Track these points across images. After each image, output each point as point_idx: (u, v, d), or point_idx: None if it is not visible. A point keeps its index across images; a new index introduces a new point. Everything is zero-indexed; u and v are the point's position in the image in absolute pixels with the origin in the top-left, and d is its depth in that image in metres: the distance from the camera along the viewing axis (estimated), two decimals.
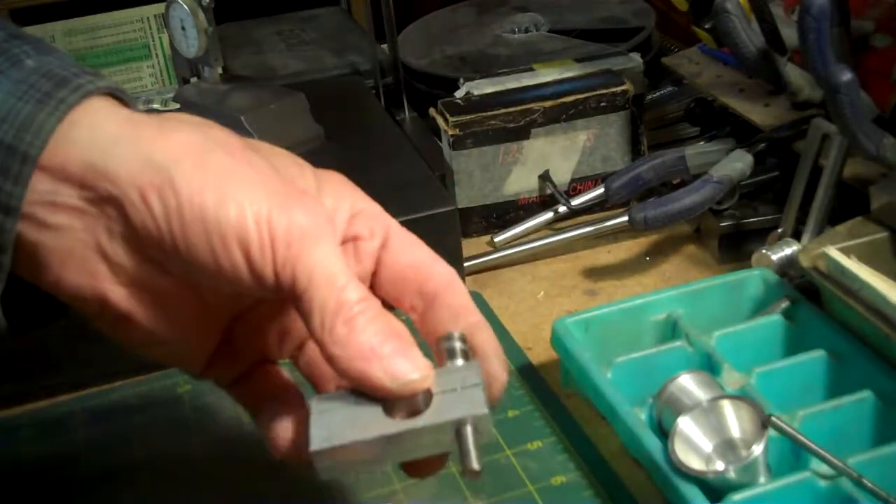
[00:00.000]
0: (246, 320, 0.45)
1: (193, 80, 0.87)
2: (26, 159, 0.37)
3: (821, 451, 0.49)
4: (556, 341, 0.61)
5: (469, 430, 0.39)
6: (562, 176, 0.84)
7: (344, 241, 0.43)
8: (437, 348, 0.42)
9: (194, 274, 0.39)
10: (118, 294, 0.40)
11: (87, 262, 0.39)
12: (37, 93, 0.37)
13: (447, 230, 0.73)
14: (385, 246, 0.44)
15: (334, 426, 0.39)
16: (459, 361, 0.41)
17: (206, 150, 0.39)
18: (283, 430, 0.43)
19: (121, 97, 0.40)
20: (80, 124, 0.38)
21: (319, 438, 0.39)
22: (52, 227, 0.38)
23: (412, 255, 0.44)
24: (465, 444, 0.39)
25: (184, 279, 0.40)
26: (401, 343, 0.39)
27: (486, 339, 0.43)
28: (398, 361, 0.38)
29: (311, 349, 0.46)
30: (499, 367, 0.42)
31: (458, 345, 0.42)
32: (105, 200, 0.38)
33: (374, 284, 0.44)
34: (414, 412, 0.39)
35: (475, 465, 0.38)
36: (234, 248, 0.38)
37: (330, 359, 0.39)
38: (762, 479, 0.50)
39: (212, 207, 0.38)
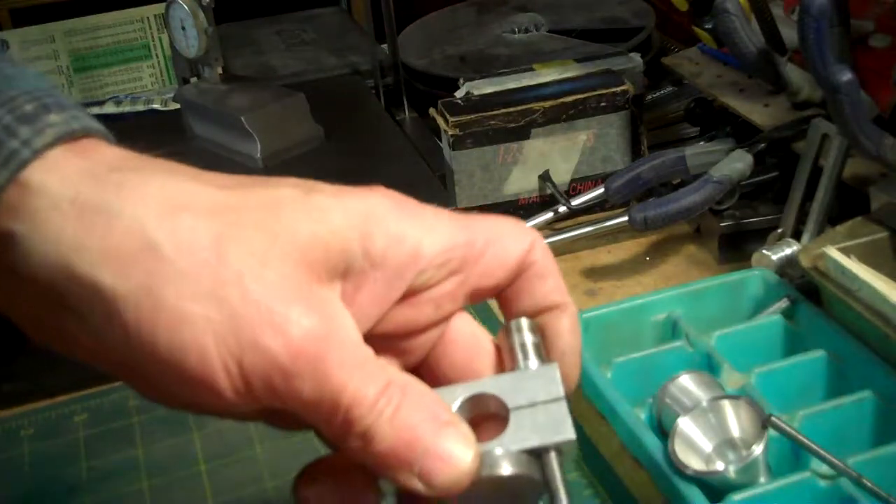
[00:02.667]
0: None
1: (193, 80, 0.87)
2: None
3: (821, 451, 0.49)
4: None
5: (553, 457, 0.33)
6: (562, 176, 0.84)
7: (412, 295, 0.35)
8: (505, 342, 0.36)
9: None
10: (91, 361, 0.33)
11: (49, 332, 0.32)
12: None
13: None
14: (472, 269, 0.36)
15: None
16: (534, 362, 0.35)
17: (158, 262, 0.30)
18: None
19: (83, 131, 0.32)
20: (17, 211, 0.30)
21: None
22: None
23: (498, 258, 0.36)
24: (550, 474, 0.33)
25: None
26: (431, 440, 0.32)
27: (564, 331, 0.36)
28: (430, 464, 0.31)
29: None
30: (570, 369, 0.36)
31: (528, 338, 0.35)
32: (58, 306, 0.31)
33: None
34: (492, 432, 0.33)
35: (564, 500, 0.32)
36: (201, 391, 0.31)
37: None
38: (762, 479, 0.50)
39: (167, 350, 0.30)
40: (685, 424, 0.52)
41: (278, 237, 0.31)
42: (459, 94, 0.86)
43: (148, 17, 1.13)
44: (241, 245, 0.31)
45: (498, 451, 0.32)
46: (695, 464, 0.50)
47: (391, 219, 0.34)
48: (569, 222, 0.83)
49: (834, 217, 0.67)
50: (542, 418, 0.33)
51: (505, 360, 0.36)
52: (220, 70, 0.85)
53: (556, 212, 0.82)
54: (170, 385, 0.31)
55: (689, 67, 0.87)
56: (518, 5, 1.12)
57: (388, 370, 0.32)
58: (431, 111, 0.85)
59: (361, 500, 0.34)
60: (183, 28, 0.83)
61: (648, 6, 1.06)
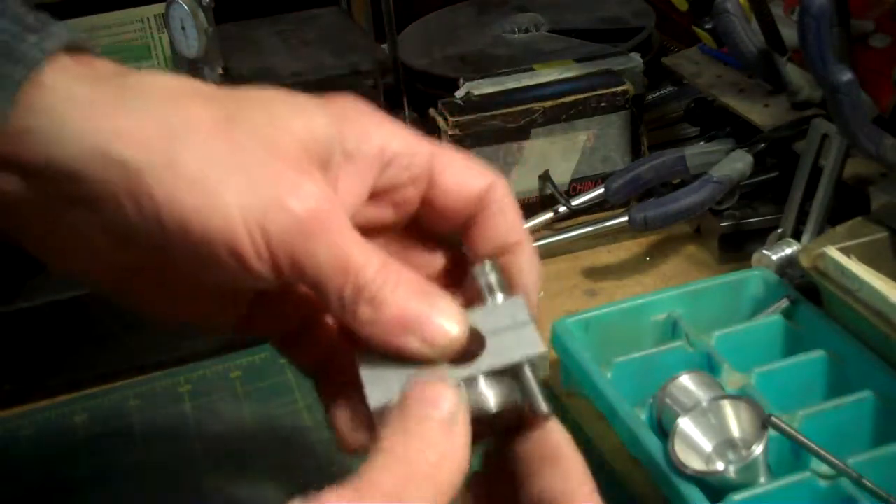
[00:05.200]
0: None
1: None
2: None
3: (821, 451, 0.49)
4: (556, 341, 0.61)
5: (528, 371, 0.37)
6: (562, 176, 0.84)
7: (376, 195, 0.39)
8: (473, 285, 0.39)
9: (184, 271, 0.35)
10: (99, 272, 0.36)
11: (59, 242, 0.35)
12: None
13: None
14: (432, 184, 0.39)
15: (390, 381, 0.36)
16: (500, 297, 0.39)
17: (176, 139, 0.33)
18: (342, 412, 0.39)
19: (76, 45, 0.34)
20: (32, 108, 0.32)
21: (377, 396, 0.36)
22: (14, 212, 0.34)
23: (458, 184, 0.39)
24: (528, 386, 0.37)
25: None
26: (429, 301, 0.35)
27: (524, 268, 0.40)
28: (432, 325, 0.35)
29: None
30: (531, 300, 0.39)
31: (492, 278, 0.39)
32: (75, 199, 0.33)
33: (422, 222, 0.40)
34: (471, 357, 0.37)
35: (543, 407, 0.37)
36: (225, 258, 0.33)
37: (365, 338, 0.36)
38: (762, 479, 0.50)
39: (194, 216, 0.32)
40: (685, 424, 0.52)
41: (277, 123, 0.35)
42: (459, 94, 0.86)
43: (148, 17, 1.12)
44: (249, 124, 0.34)
45: (479, 367, 0.36)
46: (695, 464, 0.50)
47: (363, 120, 0.38)
48: (569, 222, 0.83)
49: (834, 217, 0.67)
50: (513, 339, 0.37)
51: (476, 300, 0.39)
52: (220, 70, 0.85)
53: (556, 212, 0.82)
54: (190, 265, 0.33)
55: (689, 67, 0.87)
56: (518, 5, 1.12)
57: (382, 252, 0.36)
58: (431, 111, 0.85)
59: None
60: (183, 28, 0.83)
61: (648, 6, 1.06)
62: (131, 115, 0.33)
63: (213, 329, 0.41)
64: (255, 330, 0.40)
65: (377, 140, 0.38)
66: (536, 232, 0.82)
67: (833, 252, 0.59)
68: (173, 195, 0.32)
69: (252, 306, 0.39)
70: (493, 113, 0.81)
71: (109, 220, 0.33)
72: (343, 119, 0.37)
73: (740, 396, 0.53)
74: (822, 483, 0.49)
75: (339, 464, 0.58)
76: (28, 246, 0.35)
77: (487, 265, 0.39)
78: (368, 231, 0.38)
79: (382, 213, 0.39)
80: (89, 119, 0.32)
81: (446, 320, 0.35)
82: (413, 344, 0.35)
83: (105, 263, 0.35)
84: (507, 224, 0.40)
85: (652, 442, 0.52)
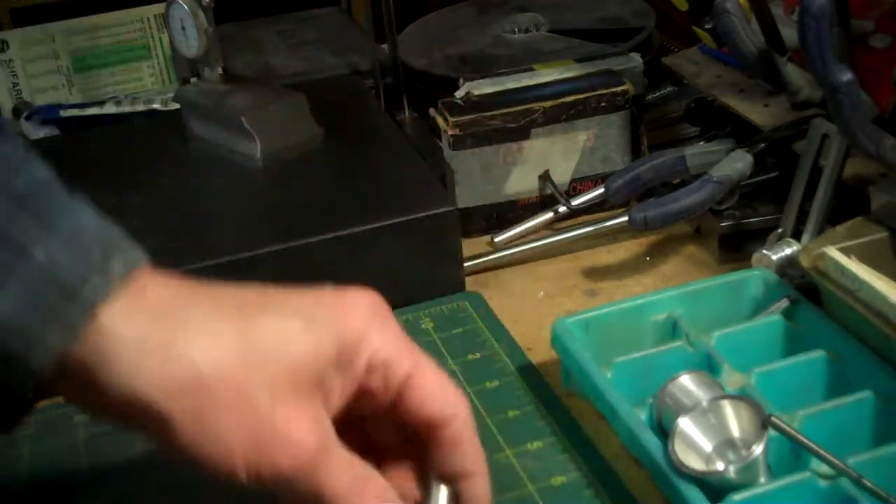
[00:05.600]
0: None
1: (193, 80, 0.87)
2: (30, 373, 0.37)
3: (821, 451, 0.49)
4: (556, 341, 0.61)
5: None
6: (562, 176, 0.84)
7: (356, 394, 0.44)
8: (428, 499, 0.45)
9: None
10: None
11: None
12: (43, 306, 0.37)
13: (447, 230, 0.73)
14: (401, 396, 0.44)
15: None
16: None
17: (203, 392, 0.39)
18: None
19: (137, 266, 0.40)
20: (87, 345, 0.38)
21: None
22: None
23: (422, 404, 0.44)
24: None
25: None
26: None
27: (476, 498, 0.45)
28: None
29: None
30: None
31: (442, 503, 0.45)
32: (110, 414, 0.40)
33: (394, 413, 0.45)
34: None
35: None
36: (226, 477, 0.41)
37: None
38: (762, 479, 0.50)
39: (205, 457, 0.40)
40: (685, 424, 0.52)
41: (286, 366, 0.41)
42: (459, 94, 0.86)
43: (148, 17, 1.12)
44: (260, 374, 0.40)
45: None
46: (695, 464, 0.50)
47: (360, 327, 0.43)
48: (569, 222, 0.83)
49: (834, 217, 0.67)
50: None
51: None
52: (220, 70, 0.85)
53: (556, 212, 0.82)
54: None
55: (689, 67, 0.87)
56: (518, 5, 1.12)
57: (359, 463, 0.43)
58: (431, 111, 0.85)
59: None
60: (183, 28, 0.83)
61: (648, 6, 1.06)
62: (169, 363, 0.39)
63: None
64: None
65: (367, 350, 0.43)
66: (536, 232, 0.82)
67: (833, 252, 0.59)
68: (194, 440, 0.39)
69: None
70: (493, 113, 0.81)
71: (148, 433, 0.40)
72: (343, 328, 0.43)
73: (740, 396, 0.53)
74: (822, 483, 0.49)
75: None
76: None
77: (442, 491, 0.45)
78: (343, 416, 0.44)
79: (356, 405, 0.44)
80: (133, 366, 0.38)
81: None
82: None
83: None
84: (462, 455, 0.45)
85: (652, 442, 0.52)
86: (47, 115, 1.02)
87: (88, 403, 0.40)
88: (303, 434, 0.41)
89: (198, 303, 0.41)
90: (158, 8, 1.11)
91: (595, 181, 0.84)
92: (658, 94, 0.96)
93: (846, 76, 0.59)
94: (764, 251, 0.66)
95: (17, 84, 1.08)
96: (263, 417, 0.40)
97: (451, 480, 0.45)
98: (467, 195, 0.83)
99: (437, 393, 0.44)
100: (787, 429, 0.50)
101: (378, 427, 0.47)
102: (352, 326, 0.43)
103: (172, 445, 0.39)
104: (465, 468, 0.45)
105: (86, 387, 0.38)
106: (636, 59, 0.90)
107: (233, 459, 0.40)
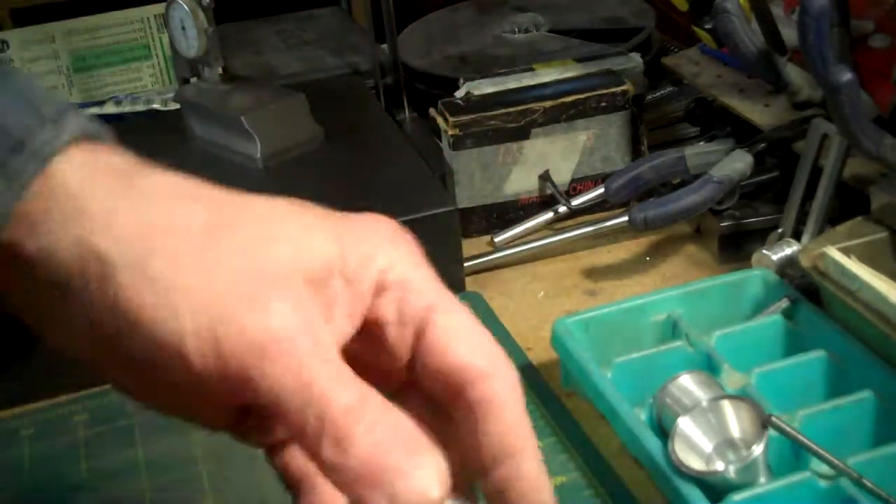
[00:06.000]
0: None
1: (193, 80, 0.87)
2: None
3: (821, 451, 0.49)
4: (556, 341, 0.61)
5: None
6: (562, 176, 0.84)
7: (364, 326, 0.35)
8: None
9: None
10: (84, 352, 0.35)
11: (46, 320, 0.35)
12: None
13: (447, 230, 0.73)
14: (421, 335, 0.34)
15: None
16: None
17: (154, 239, 0.33)
18: None
19: (90, 134, 0.35)
20: (36, 205, 0.33)
21: None
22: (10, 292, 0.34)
23: (455, 354, 0.34)
24: None
25: None
26: (412, 453, 0.31)
27: (522, 492, 0.34)
28: (406, 481, 0.30)
29: None
30: None
31: None
32: (54, 283, 0.33)
33: (409, 374, 0.36)
34: None
35: None
36: (176, 366, 0.32)
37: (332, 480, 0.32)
38: (762, 479, 0.50)
39: (146, 312, 0.32)
40: (685, 424, 0.52)
41: (269, 238, 0.33)
42: (459, 94, 0.86)
43: (148, 17, 1.13)
44: (238, 236, 0.33)
45: None
46: (695, 464, 0.50)
47: (374, 241, 0.35)
48: (569, 222, 0.83)
49: (834, 217, 0.67)
50: None
51: None
52: (220, 70, 0.85)
53: (556, 212, 0.82)
54: (143, 356, 0.32)
55: (689, 67, 0.87)
56: (518, 5, 1.12)
57: (365, 386, 0.32)
58: (431, 111, 0.85)
59: None
60: (183, 28, 0.83)
61: (648, 6, 1.06)
62: (119, 212, 0.33)
63: (204, 426, 0.37)
64: (248, 439, 0.38)
65: (380, 263, 0.34)
66: (536, 232, 0.82)
67: (833, 252, 0.59)
68: (134, 289, 0.32)
69: (238, 414, 0.36)
70: (493, 113, 0.81)
71: (82, 304, 0.33)
72: (351, 239, 0.35)
73: (740, 396, 0.53)
74: (822, 483, 0.49)
75: None
76: (25, 320, 0.36)
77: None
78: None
79: (368, 352, 0.35)
80: (81, 212, 0.33)
81: (426, 478, 0.30)
82: (378, 501, 0.30)
83: (87, 343, 0.34)
84: (501, 425, 0.33)
85: (652, 442, 0.52)
86: None
87: (28, 268, 0.33)
88: (283, 305, 0.32)
89: (167, 178, 0.35)
90: (158, 8, 1.11)
91: (595, 181, 0.84)
92: (658, 94, 0.96)
93: (846, 76, 0.59)
94: (764, 251, 0.66)
95: None
96: (228, 273, 0.32)
97: (489, 468, 0.34)
98: (467, 195, 0.83)
99: (466, 336, 0.34)
100: (787, 429, 0.50)
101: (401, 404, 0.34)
102: (361, 236, 0.35)
103: (109, 301, 0.32)
104: (507, 445, 0.34)
105: (27, 247, 0.33)
106: (636, 59, 0.90)
107: (177, 315, 0.31)
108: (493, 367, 0.34)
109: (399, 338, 0.35)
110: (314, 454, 0.31)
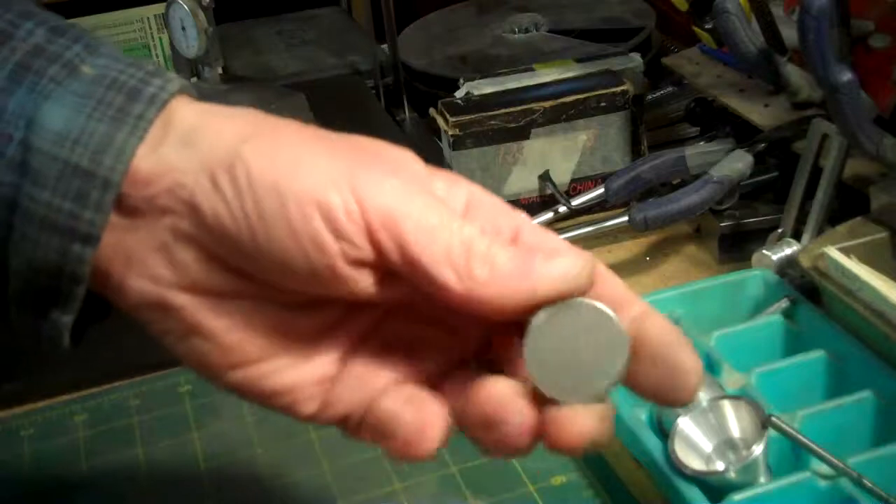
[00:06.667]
0: (366, 345, 0.38)
1: (193, 80, 0.87)
2: (108, 185, 0.34)
3: (821, 451, 0.49)
4: None
5: None
6: (562, 176, 0.84)
7: None
8: None
9: (274, 271, 0.34)
10: (182, 302, 0.35)
11: (148, 266, 0.35)
12: (109, 109, 0.34)
13: None
14: (515, 242, 0.37)
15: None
16: None
17: (274, 128, 0.35)
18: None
19: (187, 91, 0.37)
20: (159, 139, 0.34)
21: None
22: (113, 230, 0.35)
23: (551, 243, 0.37)
24: None
25: (264, 288, 0.35)
26: (544, 252, 0.34)
27: (660, 328, 0.35)
28: (555, 262, 0.33)
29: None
30: (684, 355, 0.35)
31: None
32: (171, 194, 0.34)
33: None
34: None
35: None
36: (314, 216, 0.33)
37: (483, 307, 0.33)
38: (762, 479, 0.50)
39: (285, 176, 0.33)
40: (685, 424, 0.52)
41: (379, 145, 0.37)
42: (459, 94, 0.86)
43: (148, 17, 1.12)
44: (341, 139, 0.36)
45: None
46: (695, 464, 0.50)
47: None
48: (569, 222, 0.83)
49: (834, 217, 0.67)
50: None
51: None
52: (220, 70, 0.85)
53: (556, 212, 0.82)
54: (278, 236, 0.33)
55: (689, 67, 0.87)
56: (518, 5, 1.12)
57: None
58: (431, 111, 0.85)
59: None
60: (183, 28, 0.83)
61: (648, 6, 1.06)
62: (234, 117, 0.36)
63: (291, 412, 0.37)
64: (331, 416, 0.37)
65: (464, 187, 0.38)
66: None
67: (833, 252, 0.59)
68: (269, 164, 0.33)
69: (332, 388, 0.37)
70: (493, 113, 0.81)
71: (205, 211, 0.34)
72: (437, 173, 0.38)
73: (740, 396, 0.53)
74: (822, 483, 0.49)
75: (340, 460, 0.58)
76: (112, 283, 0.36)
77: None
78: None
79: None
80: (196, 126, 0.35)
81: (570, 256, 0.34)
82: (543, 284, 0.33)
83: (187, 286, 0.35)
84: (619, 294, 0.36)
85: (652, 442, 0.52)
86: None
87: (142, 201, 0.34)
88: (412, 166, 0.36)
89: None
90: (158, 8, 1.11)
91: (595, 181, 0.84)
92: (658, 94, 0.96)
93: (846, 76, 0.59)
94: (764, 251, 0.66)
95: None
96: (351, 158, 0.35)
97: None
98: None
99: (556, 238, 0.37)
100: (787, 429, 0.50)
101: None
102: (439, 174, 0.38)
103: (241, 186, 0.33)
104: (626, 295, 0.36)
105: (149, 175, 0.34)
106: (636, 59, 0.90)
107: (318, 175, 0.33)
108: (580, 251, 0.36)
109: None
110: (463, 284, 0.33)
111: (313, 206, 0.33)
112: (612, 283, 0.37)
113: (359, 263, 0.34)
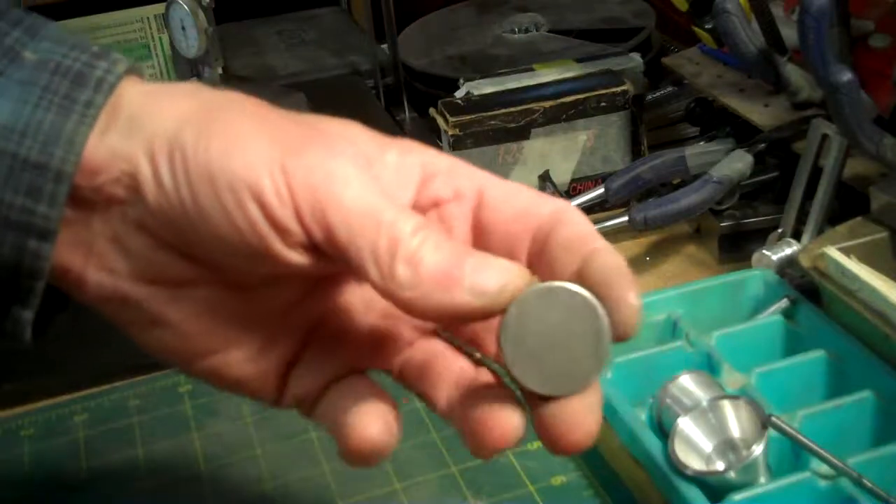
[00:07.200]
0: (325, 326, 0.38)
1: (193, 80, 0.87)
2: (61, 178, 0.33)
3: (821, 451, 0.49)
4: None
5: None
6: (562, 176, 0.84)
7: (421, 209, 0.37)
8: None
9: (217, 253, 0.34)
10: (140, 293, 0.35)
11: (105, 258, 0.35)
12: (55, 96, 0.33)
13: None
14: (481, 204, 0.37)
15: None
16: None
17: (216, 108, 0.35)
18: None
19: (135, 72, 0.36)
20: (106, 125, 0.34)
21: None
22: (70, 224, 0.34)
23: (514, 204, 0.36)
24: None
25: (218, 272, 0.35)
26: (476, 258, 0.32)
27: (605, 263, 0.34)
28: (481, 275, 0.32)
29: (417, 349, 0.38)
30: (623, 289, 0.33)
31: None
32: (118, 183, 0.34)
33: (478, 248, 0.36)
34: None
35: None
36: (246, 200, 0.33)
37: (405, 307, 0.33)
38: (762, 479, 0.50)
39: (217, 159, 0.33)
40: (685, 424, 0.52)
41: (320, 120, 0.37)
42: (459, 94, 0.86)
43: (148, 17, 1.12)
44: (286, 114, 0.36)
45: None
46: (695, 464, 0.50)
47: (410, 145, 0.38)
48: None
49: (834, 217, 0.67)
50: None
51: None
52: (220, 70, 0.85)
53: None
54: (213, 218, 0.33)
55: (689, 67, 0.87)
56: (518, 5, 1.12)
57: (419, 215, 0.34)
58: (431, 111, 0.85)
59: None
60: (183, 28, 0.83)
61: (648, 6, 1.06)
62: (176, 99, 0.35)
63: (253, 395, 0.38)
64: (292, 397, 0.38)
65: (418, 156, 0.37)
66: None
67: (833, 252, 0.59)
68: (203, 146, 0.33)
69: (291, 370, 0.38)
70: (493, 113, 0.81)
71: (147, 195, 0.33)
72: (388, 142, 0.37)
73: (740, 396, 0.53)
74: (822, 483, 0.49)
75: (340, 460, 0.58)
76: (72, 277, 0.35)
77: None
78: None
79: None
80: (141, 112, 0.34)
81: (497, 269, 0.32)
82: (460, 298, 0.32)
83: (143, 277, 0.35)
84: (574, 235, 0.35)
85: (652, 442, 0.52)
86: None
87: (87, 192, 0.34)
88: (347, 154, 0.34)
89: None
90: (158, 8, 1.11)
91: (595, 181, 0.84)
92: (658, 94, 0.96)
93: (846, 76, 0.59)
94: (764, 251, 0.66)
95: None
96: (293, 124, 0.35)
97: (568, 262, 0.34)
98: None
99: (523, 191, 0.37)
100: (787, 429, 0.50)
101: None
102: (400, 143, 0.38)
103: (177, 168, 0.33)
104: (584, 247, 0.34)
105: (100, 163, 0.34)
106: (636, 59, 0.90)
107: (251, 156, 0.33)
108: (557, 203, 0.36)
109: (460, 214, 0.37)
110: (387, 283, 0.32)
111: (245, 190, 0.33)
112: (574, 223, 0.35)
113: (295, 245, 0.33)
